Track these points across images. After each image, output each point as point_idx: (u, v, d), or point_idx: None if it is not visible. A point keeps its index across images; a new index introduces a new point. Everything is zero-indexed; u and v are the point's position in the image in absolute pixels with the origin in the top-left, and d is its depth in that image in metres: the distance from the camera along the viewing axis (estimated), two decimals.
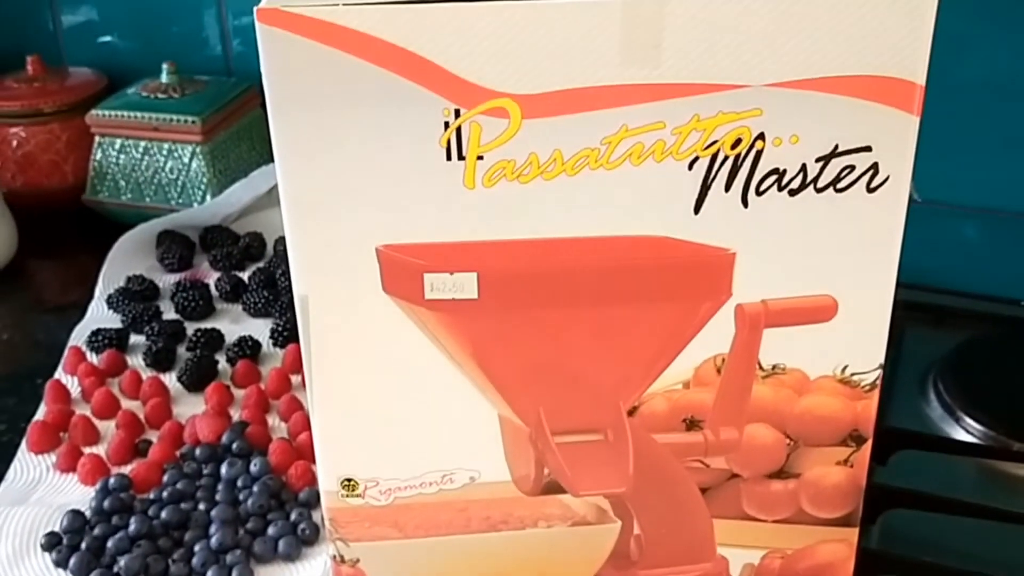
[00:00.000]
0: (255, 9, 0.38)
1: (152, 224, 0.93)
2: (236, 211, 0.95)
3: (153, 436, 0.70)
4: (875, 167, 0.41)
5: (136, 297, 0.85)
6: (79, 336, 0.81)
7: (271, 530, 0.61)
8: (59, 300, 0.90)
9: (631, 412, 0.46)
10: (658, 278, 0.43)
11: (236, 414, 0.72)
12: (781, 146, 0.40)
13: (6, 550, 0.61)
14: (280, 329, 0.79)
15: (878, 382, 0.45)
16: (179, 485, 0.64)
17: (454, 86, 0.39)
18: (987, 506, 0.61)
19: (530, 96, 0.39)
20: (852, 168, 0.41)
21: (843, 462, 0.47)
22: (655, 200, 0.41)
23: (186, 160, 0.96)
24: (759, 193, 0.41)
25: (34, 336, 0.85)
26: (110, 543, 0.60)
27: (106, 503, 0.63)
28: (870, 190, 0.41)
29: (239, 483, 0.64)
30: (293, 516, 0.62)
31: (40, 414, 0.73)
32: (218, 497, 0.63)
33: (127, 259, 0.91)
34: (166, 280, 0.89)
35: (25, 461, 0.69)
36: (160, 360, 0.77)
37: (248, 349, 0.78)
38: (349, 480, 0.47)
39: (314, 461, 0.48)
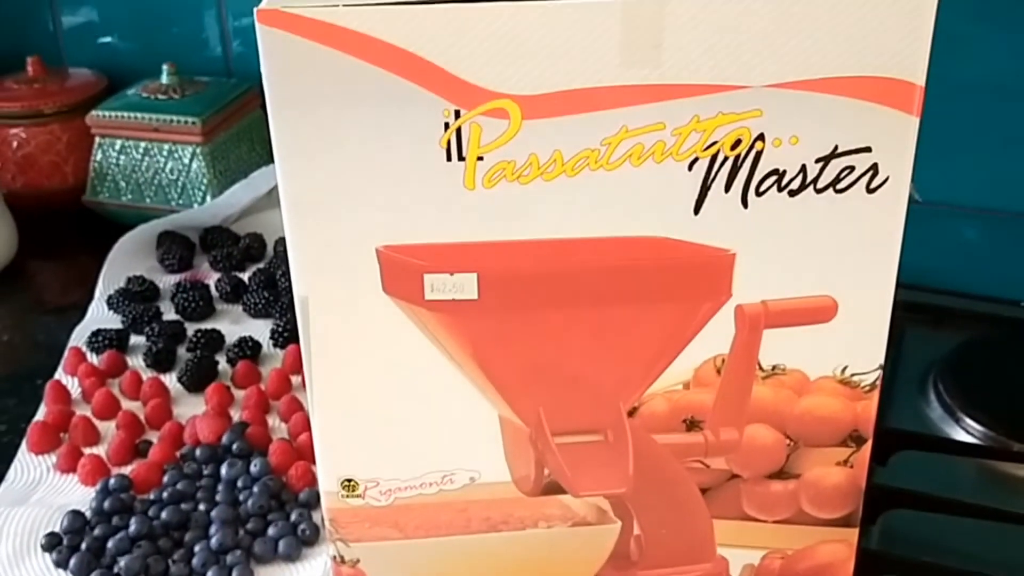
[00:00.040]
0: (255, 10, 0.38)
1: (152, 225, 0.93)
2: (236, 212, 0.95)
3: (153, 437, 0.70)
4: (875, 168, 0.41)
5: (136, 298, 0.85)
6: (79, 337, 0.81)
7: (271, 531, 0.61)
8: (59, 301, 0.90)
9: (631, 413, 0.46)
10: (658, 279, 0.43)
11: (236, 415, 0.72)
12: (781, 147, 0.40)
13: (6, 550, 0.61)
14: (280, 330, 0.80)
15: (878, 383, 0.45)
16: (179, 486, 0.64)
17: (454, 87, 0.39)
18: (987, 507, 0.61)
19: (530, 97, 0.39)
20: (852, 169, 0.41)
21: (843, 463, 0.47)
22: (655, 201, 0.41)
23: (186, 161, 0.96)
24: (759, 194, 0.41)
25: (34, 337, 0.85)
26: (110, 544, 0.60)
27: (106, 504, 0.63)
28: (870, 191, 0.41)
29: (239, 484, 0.64)
30: (293, 517, 0.62)
31: (40, 415, 0.73)
32: (218, 498, 0.63)
33: (127, 260, 0.91)
34: (166, 281, 0.89)
35: (25, 462, 0.69)
36: (160, 361, 0.77)
37: (248, 350, 0.78)
38: (349, 480, 0.47)
39: (314, 462, 0.48)
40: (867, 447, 0.47)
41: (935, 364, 0.74)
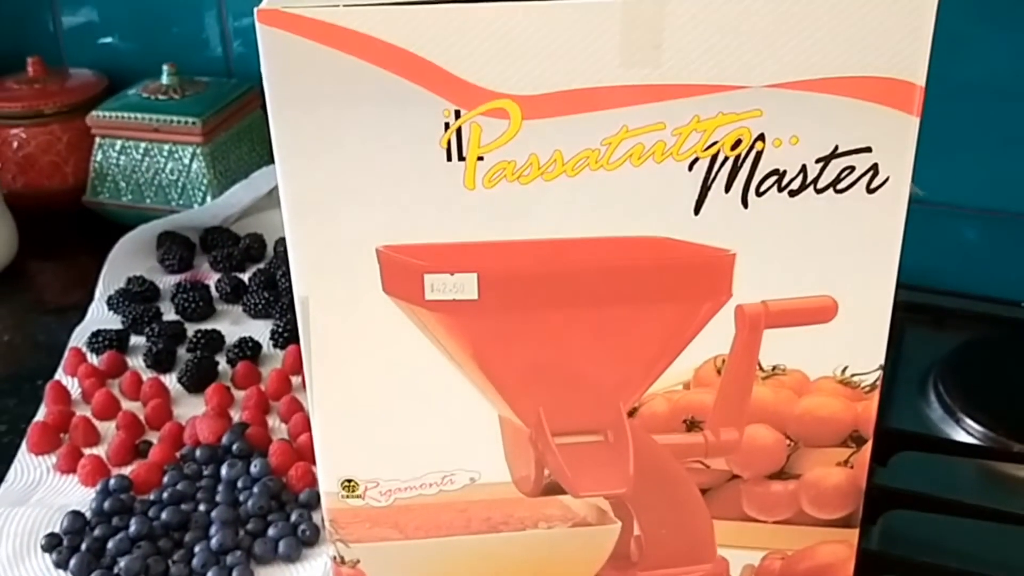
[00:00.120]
0: (255, 10, 0.38)
1: (152, 225, 0.93)
2: (236, 212, 0.95)
3: (153, 437, 0.70)
4: (875, 168, 0.41)
5: (136, 298, 0.85)
6: (79, 337, 0.81)
7: (271, 531, 0.61)
8: (59, 301, 0.90)
9: (631, 413, 0.46)
10: (658, 279, 0.43)
11: (236, 415, 0.72)
12: (781, 147, 0.40)
13: (6, 551, 0.61)
14: (280, 330, 0.79)
15: (878, 383, 0.45)
16: (179, 486, 0.64)
17: (454, 87, 0.39)
18: (987, 507, 0.61)
19: (530, 97, 0.39)
20: (852, 169, 0.41)
21: (843, 463, 0.47)
22: (655, 201, 0.41)
23: (186, 161, 0.96)
24: (759, 194, 0.41)
25: (34, 337, 0.85)
26: (110, 544, 0.60)
27: (106, 504, 0.63)
28: (870, 191, 0.41)
29: (239, 484, 0.64)
30: (293, 517, 0.62)
31: (40, 415, 0.73)
32: (218, 498, 0.63)
33: (127, 260, 0.91)
34: (166, 281, 0.89)
35: (25, 462, 0.69)
36: (160, 361, 0.77)
37: (248, 350, 0.78)
38: (349, 481, 0.47)
39: (314, 462, 0.48)
40: (867, 447, 0.47)
41: (935, 365, 0.74)
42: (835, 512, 0.48)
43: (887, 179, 0.41)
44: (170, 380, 0.76)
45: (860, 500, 0.48)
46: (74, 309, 0.86)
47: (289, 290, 0.76)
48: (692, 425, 0.46)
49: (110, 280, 0.88)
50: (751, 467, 0.47)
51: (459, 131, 0.39)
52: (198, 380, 0.75)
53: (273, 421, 0.72)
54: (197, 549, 0.60)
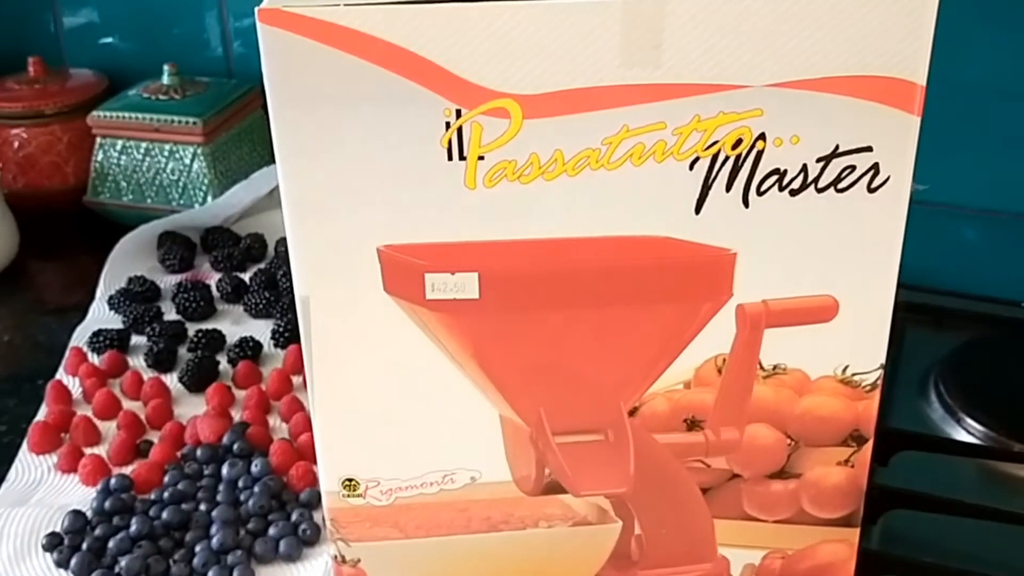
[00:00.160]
0: (256, 10, 0.38)
1: (153, 225, 0.93)
2: (237, 212, 0.95)
3: (154, 437, 0.70)
4: (876, 167, 0.41)
5: (137, 298, 0.85)
6: (80, 337, 0.81)
7: (272, 531, 0.61)
8: (60, 301, 0.90)
9: (632, 412, 0.46)
10: (659, 278, 0.43)
11: (237, 415, 0.72)
12: (782, 146, 0.40)
13: (7, 551, 0.61)
14: (281, 330, 0.80)
15: (879, 382, 0.45)
16: (180, 486, 0.64)
17: (455, 86, 0.39)
18: (988, 507, 0.61)
19: (531, 96, 0.39)
20: (853, 168, 0.41)
21: (844, 462, 0.47)
22: (656, 200, 0.41)
23: (187, 161, 0.96)
24: (760, 193, 0.41)
25: (35, 337, 0.85)
26: (111, 544, 0.60)
27: (107, 504, 0.63)
28: (871, 190, 0.41)
29: (240, 484, 0.64)
30: (294, 517, 0.62)
31: (41, 415, 0.73)
32: (219, 498, 0.64)
33: (128, 260, 0.91)
34: (167, 281, 0.89)
35: (26, 462, 0.69)
36: (161, 361, 0.77)
37: (249, 350, 0.78)
38: (350, 480, 0.47)
39: (315, 461, 0.48)
40: (868, 447, 0.47)
41: (936, 364, 0.74)
42: (836, 511, 0.48)
43: (888, 178, 0.41)
44: (171, 380, 0.76)
45: (861, 499, 0.48)
46: (75, 309, 0.86)
47: (290, 290, 0.76)
48: (693, 424, 0.46)
49: (111, 280, 0.88)
50: (752, 466, 0.47)
51: (460, 130, 0.39)
52: (199, 380, 0.75)
53: (274, 421, 0.72)
54: (198, 549, 0.60)
